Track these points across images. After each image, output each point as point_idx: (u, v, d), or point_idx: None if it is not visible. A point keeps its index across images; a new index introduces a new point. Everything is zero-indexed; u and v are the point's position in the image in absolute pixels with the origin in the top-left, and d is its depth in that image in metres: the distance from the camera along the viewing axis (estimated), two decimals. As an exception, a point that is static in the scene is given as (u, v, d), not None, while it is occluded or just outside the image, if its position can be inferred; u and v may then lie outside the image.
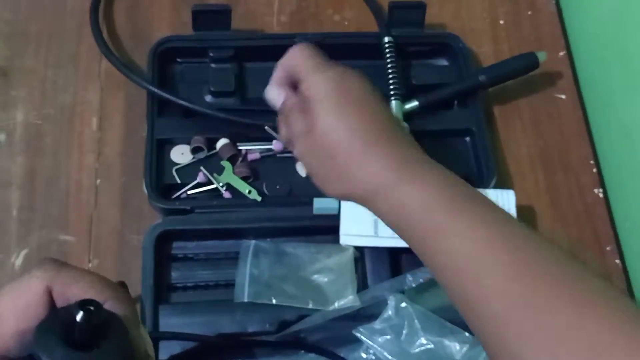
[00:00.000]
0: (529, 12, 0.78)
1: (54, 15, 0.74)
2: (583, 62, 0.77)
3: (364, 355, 0.59)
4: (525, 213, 0.67)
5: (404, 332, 0.59)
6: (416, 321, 0.59)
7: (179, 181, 0.65)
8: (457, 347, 0.59)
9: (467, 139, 0.70)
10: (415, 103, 0.69)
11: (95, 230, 0.64)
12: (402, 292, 0.61)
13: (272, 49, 0.71)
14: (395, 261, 0.64)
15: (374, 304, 0.60)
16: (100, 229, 0.64)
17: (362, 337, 0.59)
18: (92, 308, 0.31)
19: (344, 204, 0.64)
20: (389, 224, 0.43)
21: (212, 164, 0.66)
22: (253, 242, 0.63)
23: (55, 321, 0.32)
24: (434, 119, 0.70)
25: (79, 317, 0.31)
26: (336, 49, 0.72)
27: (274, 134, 0.66)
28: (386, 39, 0.71)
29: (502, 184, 0.67)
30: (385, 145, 0.44)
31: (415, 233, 0.42)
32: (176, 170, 0.66)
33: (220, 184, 0.65)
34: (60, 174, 0.66)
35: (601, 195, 0.69)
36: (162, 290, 0.61)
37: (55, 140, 0.68)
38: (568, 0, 0.80)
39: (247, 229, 0.64)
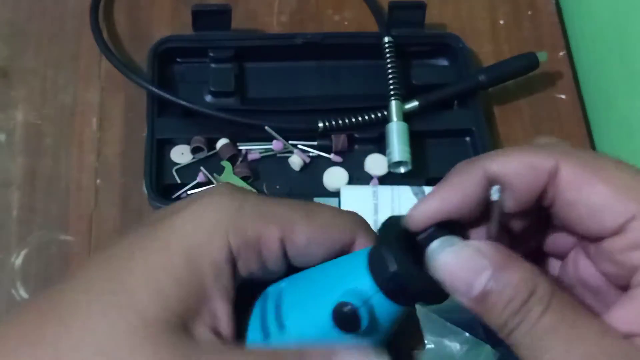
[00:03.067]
0: (529, 12, 0.78)
1: (54, 15, 0.74)
2: (583, 62, 0.77)
3: (364, 355, 0.59)
4: (525, 213, 0.67)
5: (404, 332, 0.59)
6: (416, 321, 0.59)
7: (179, 181, 0.65)
8: (457, 347, 0.59)
9: (467, 139, 0.70)
10: (415, 103, 0.69)
11: (95, 230, 0.64)
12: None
13: (272, 49, 0.72)
14: (395, 261, 0.64)
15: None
16: (100, 229, 0.64)
17: (362, 337, 0.59)
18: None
19: (343, 203, 0.64)
20: None
21: (212, 164, 0.66)
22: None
23: (400, 229, 0.30)
24: (434, 119, 0.70)
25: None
26: (336, 49, 0.72)
27: (274, 134, 0.66)
28: (386, 39, 0.71)
29: (502, 184, 0.67)
30: None
31: None
32: (176, 170, 0.66)
33: (220, 184, 0.65)
34: (60, 174, 0.66)
35: (601, 195, 0.69)
36: (162, 290, 0.61)
37: (55, 140, 0.68)
38: (568, 0, 0.80)
39: (247, 229, 0.64)
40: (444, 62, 0.74)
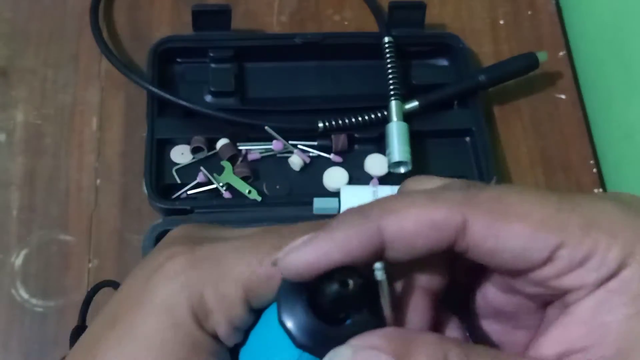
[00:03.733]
0: (529, 12, 0.78)
1: (54, 15, 0.74)
2: (583, 62, 0.77)
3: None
4: (525, 213, 0.67)
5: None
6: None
7: (179, 181, 0.65)
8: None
9: (467, 139, 0.70)
10: (415, 103, 0.69)
11: (95, 230, 0.64)
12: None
13: (272, 49, 0.72)
14: (395, 261, 0.64)
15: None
16: (100, 229, 0.64)
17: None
18: (350, 282, 0.26)
19: (344, 203, 0.64)
20: None
21: (212, 164, 0.66)
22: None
23: (301, 285, 0.28)
24: (434, 119, 0.70)
25: (332, 289, 0.26)
26: (336, 49, 0.72)
27: (274, 134, 0.66)
28: (386, 39, 0.71)
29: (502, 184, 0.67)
30: None
31: None
32: (176, 170, 0.66)
33: (220, 184, 0.65)
34: (60, 174, 0.66)
35: (601, 195, 0.69)
36: (162, 290, 0.61)
37: (55, 140, 0.68)
38: (568, 0, 0.80)
39: (247, 229, 0.64)
40: (444, 62, 0.74)
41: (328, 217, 0.66)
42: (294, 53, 0.72)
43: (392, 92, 0.68)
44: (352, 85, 0.72)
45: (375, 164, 0.67)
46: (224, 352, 0.31)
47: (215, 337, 0.30)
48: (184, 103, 0.67)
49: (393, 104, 0.68)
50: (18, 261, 0.62)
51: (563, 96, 0.74)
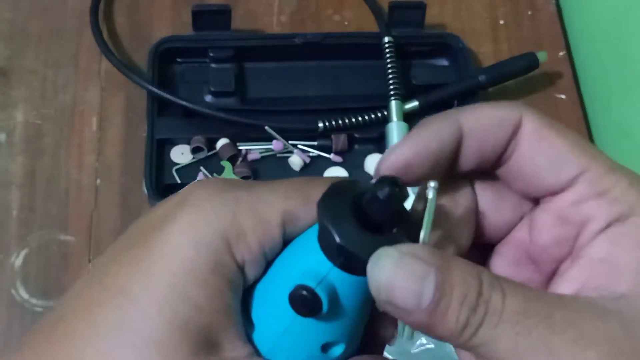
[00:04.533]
0: (529, 12, 0.78)
1: (54, 15, 0.74)
2: (583, 62, 0.77)
3: (364, 355, 0.59)
4: (525, 213, 0.67)
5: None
6: (416, 321, 0.59)
7: (179, 181, 0.65)
8: (457, 347, 0.59)
9: (467, 139, 0.70)
10: (415, 103, 0.69)
11: (95, 230, 0.64)
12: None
13: (272, 49, 0.72)
14: (395, 261, 0.64)
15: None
16: (100, 229, 0.64)
17: (362, 337, 0.59)
18: (397, 187, 0.27)
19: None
20: None
21: (212, 164, 0.66)
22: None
23: (345, 194, 0.28)
24: (434, 119, 0.70)
25: (382, 194, 0.27)
26: (336, 49, 0.72)
27: (274, 134, 0.66)
28: (386, 39, 0.71)
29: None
30: None
31: None
32: (176, 170, 0.66)
33: (220, 184, 0.65)
34: (60, 174, 0.66)
35: (601, 195, 0.69)
36: (162, 290, 0.61)
37: (55, 140, 0.68)
38: (568, 0, 0.80)
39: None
40: (444, 62, 0.74)
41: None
42: (294, 53, 0.72)
43: (392, 92, 0.68)
44: (352, 85, 0.72)
45: (375, 164, 0.67)
46: (240, 286, 0.29)
47: (238, 265, 0.29)
48: (184, 103, 0.67)
49: (393, 104, 0.68)
50: (18, 261, 0.62)
51: (563, 96, 0.74)
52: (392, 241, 0.27)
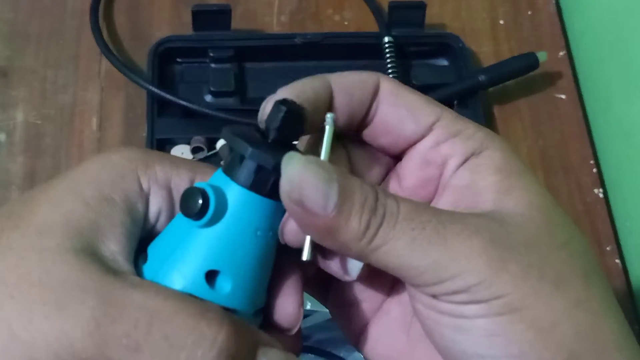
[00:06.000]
0: (529, 12, 0.78)
1: (54, 15, 0.74)
2: (583, 62, 0.77)
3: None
4: (525, 213, 0.67)
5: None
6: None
7: (179, 181, 0.65)
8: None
9: (467, 139, 0.70)
10: (415, 103, 0.69)
11: (95, 230, 0.64)
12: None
13: (272, 49, 0.72)
14: (395, 261, 0.64)
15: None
16: (100, 229, 0.64)
17: (362, 337, 0.59)
18: (295, 104, 0.30)
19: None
20: None
21: (212, 164, 0.66)
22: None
23: (247, 126, 0.31)
24: (434, 119, 0.70)
25: (283, 107, 0.30)
26: (336, 49, 0.72)
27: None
28: (386, 39, 0.71)
29: (502, 184, 0.67)
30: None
31: None
32: (176, 170, 0.66)
33: (220, 184, 0.65)
34: (60, 174, 0.66)
35: (601, 195, 0.69)
36: (162, 290, 0.61)
37: (55, 140, 0.68)
38: (568, 0, 0.80)
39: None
40: (444, 62, 0.74)
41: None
42: (294, 53, 0.72)
43: (392, 92, 0.68)
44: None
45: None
46: (140, 212, 0.31)
47: (142, 189, 0.31)
48: (184, 103, 0.67)
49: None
50: (18, 261, 0.62)
51: (563, 96, 0.74)
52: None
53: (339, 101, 0.32)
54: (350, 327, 0.34)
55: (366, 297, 0.33)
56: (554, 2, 0.79)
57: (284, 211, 0.30)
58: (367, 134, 0.33)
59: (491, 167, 0.31)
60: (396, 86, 0.33)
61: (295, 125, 0.30)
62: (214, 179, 0.31)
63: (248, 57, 0.71)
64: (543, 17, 0.78)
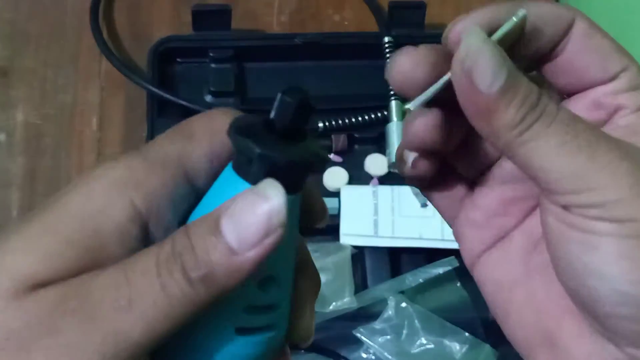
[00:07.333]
0: (529, 12, 0.78)
1: (54, 15, 0.74)
2: (583, 62, 0.77)
3: (364, 355, 0.59)
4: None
5: (404, 332, 0.59)
6: (416, 321, 0.59)
7: (179, 181, 0.65)
8: (457, 347, 0.59)
9: (467, 139, 0.70)
10: (415, 103, 0.69)
11: (95, 230, 0.64)
12: (402, 292, 0.61)
13: (272, 49, 0.72)
14: (395, 261, 0.64)
15: (373, 303, 0.60)
16: (100, 229, 0.64)
17: (362, 337, 0.59)
18: (304, 93, 0.28)
19: (343, 203, 0.64)
20: None
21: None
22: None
23: (253, 119, 0.28)
24: (434, 119, 0.70)
25: (294, 98, 0.28)
26: (336, 49, 0.72)
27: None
28: (386, 39, 0.71)
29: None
30: None
31: None
32: (176, 170, 0.66)
33: (220, 184, 0.65)
34: (60, 174, 0.66)
35: None
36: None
37: (55, 140, 0.68)
38: (568, 0, 0.80)
39: (247, 229, 0.64)
40: (444, 62, 0.74)
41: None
42: (294, 53, 0.72)
43: (392, 92, 0.68)
44: (352, 85, 0.72)
45: (375, 164, 0.67)
46: (135, 235, 0.27)
47: (134, 208, 0.27)
48: (184, 103, 0.67)
49: (393, 104, 0.68)
50: (18, 261, 0.62)
51: (563, 96, 0.74)
52: (309, 147, 0.28)
53: (530, 31, 0.31)
54: (472, 248, 0.34)
55: (495, 223, 0.33)
56: (553, 2, 0.79)
57: (298, 206, 0.29)
58: (547, 69, 0.33)
59: None
60: (591, 27, 0.32)
61: (305, 114, 0.29)
62: (232, 187, 0.28)
63: (248, 57, 0.71)
64: (543, 17, 0.78)
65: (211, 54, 0.70)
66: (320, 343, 0.60)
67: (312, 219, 0.31)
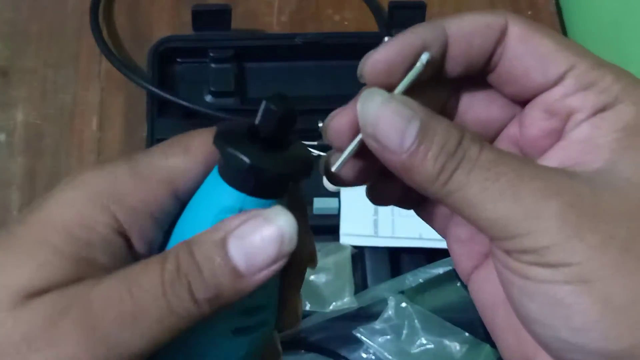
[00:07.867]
0: (529, 12, 0.78)
1: (54, 15, 0.74)
2: (583, 62, 0.77)
3: (364, 355, 0.59)
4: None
5: (404, 332, 0.59)
6: (416, 321, 0.59)
7: (179, 181, 0.65)
8: (457, 347, 0.59)
9: (467, 139, 0.70)
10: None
11: (95, 230, 0.64)
12: (402, 292, 0.61)
13: (272, 49, 0.72)
14: (395, 261, 0.64)
15: (373, 303, 0.60)
16: (100, 229, 0.64)
17: (362, 337, 0.59)
18: (288, 101, 0.28)
19: (343, 203, 0.64)
20: None
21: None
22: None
23: (238, 126, 0.29)
24: (434, 119, 0.70)
25: (278, 107, 0.29)
26: (336, 49, 0.72)
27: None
28: (386, 39, 0.71)
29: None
30: None
31: None
32: (176, 170, 0.66)
33: (220, 184, 0.65)
34: (60, 174, 0.66)
35: None
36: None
37: (55, 140, 0.68)
38: (568, 0, 0.80)
39: (247, 229, 0.64)
40: (444, 62, 0.74)
41: (328, 217, 0.67)
42: (294, 53, 0.72)
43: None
44: (352, 85, 0.72)
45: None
46: (120, 247, 0.27)
47: (119, 224, 0.28)
48: (184, 103, 0.67)
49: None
50: (18, 261, 0.62)
51: (563, 96, 0.74)
52: (296, 155, 0.29)
53: (455, 51, 0.29)
54: (462, 264, 0.33)
55: (479, 240, 0.32)
56: (554, 2, 0.79)
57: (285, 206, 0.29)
58: (492, 80, 0.31)
59: (617, 123, 0.28)
60: (526, 30, 0.29)
61: (289, 124, 0.29)
62: (222, 195, 0.28)
63: (248, 57, 0.71)
64: (543, 17, 0.78)
65: (211, 54, 0.70)
66: (320, 343, 0.60)
67: (303, 266, 0.32)
